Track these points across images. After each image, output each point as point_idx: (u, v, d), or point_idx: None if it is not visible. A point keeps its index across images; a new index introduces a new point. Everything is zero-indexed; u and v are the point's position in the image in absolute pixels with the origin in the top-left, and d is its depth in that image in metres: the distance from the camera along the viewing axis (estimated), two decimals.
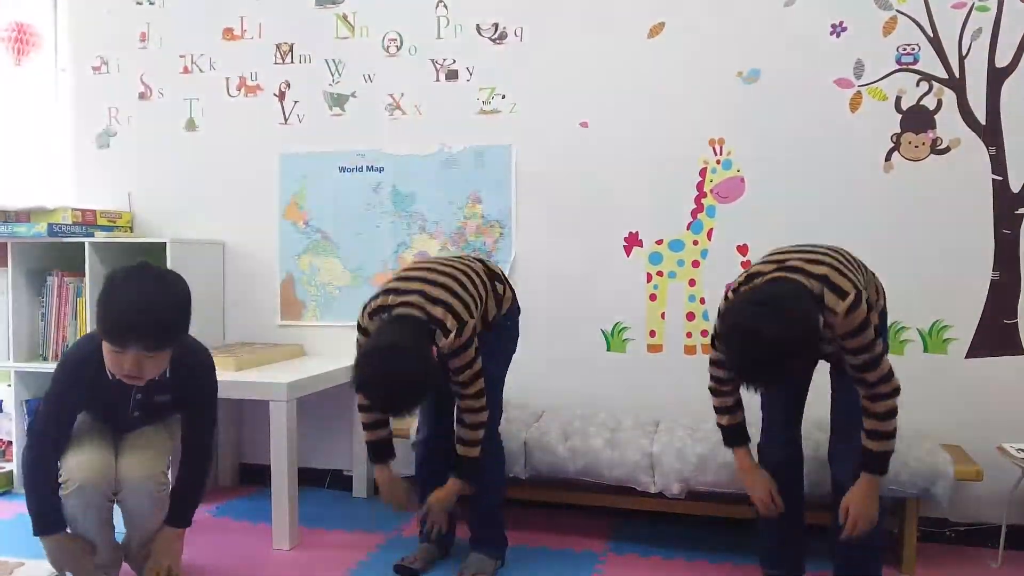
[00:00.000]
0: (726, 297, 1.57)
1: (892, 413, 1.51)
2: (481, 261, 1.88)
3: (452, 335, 1.63)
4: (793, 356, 1.36)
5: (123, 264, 1.55)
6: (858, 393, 1.54)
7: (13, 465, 2.52)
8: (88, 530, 1.64)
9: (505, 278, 1.91)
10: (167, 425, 1.79)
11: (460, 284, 1.72)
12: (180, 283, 1.56)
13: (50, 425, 1.62)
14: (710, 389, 1.68)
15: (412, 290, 1.68)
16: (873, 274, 1.67)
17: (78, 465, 1.61)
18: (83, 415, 1.71)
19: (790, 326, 1.34)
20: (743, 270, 1.63)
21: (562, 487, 2.15)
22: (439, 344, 1.64)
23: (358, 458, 2.50)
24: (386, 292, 1.70)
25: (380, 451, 1.83)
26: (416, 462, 1.98)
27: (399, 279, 1.74)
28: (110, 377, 1.57)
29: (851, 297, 1.43)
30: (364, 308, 1.72)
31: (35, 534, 1.62)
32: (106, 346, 1.51)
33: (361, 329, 1.71)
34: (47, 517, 1.61)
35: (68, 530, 1.63)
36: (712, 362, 1.66)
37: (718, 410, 1.68)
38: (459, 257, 1.87)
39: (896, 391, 1.50)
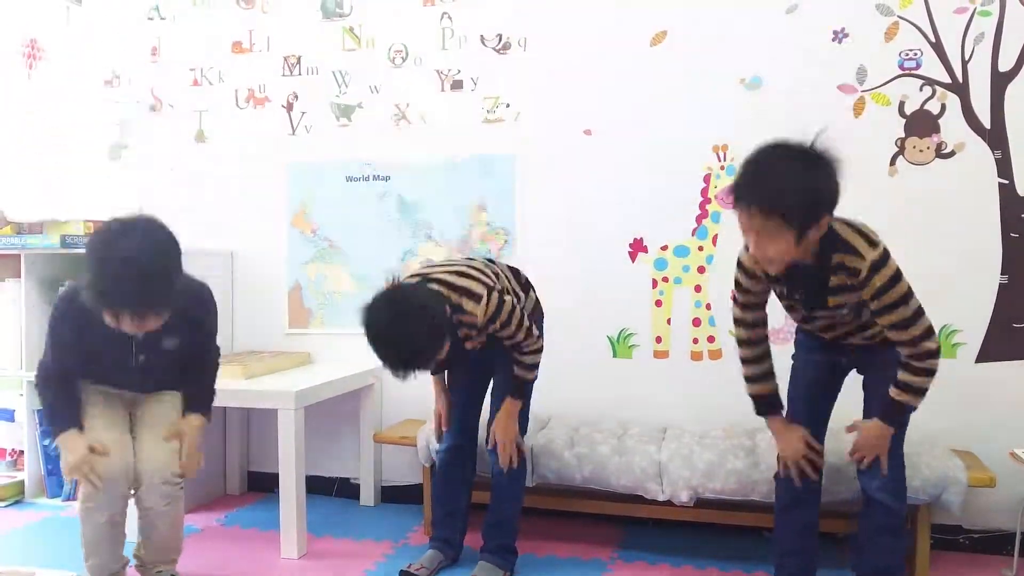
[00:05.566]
0: None
1: (931, 373, 1.49)
2: (502, 264, 1.98)
3: (484, 299, 1.66)
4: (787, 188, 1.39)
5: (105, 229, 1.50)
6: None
7: (24, 474, 2.54)
8: (101, 526, 1.67)
9: (528, 281, 1.99)
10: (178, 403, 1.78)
11: (479, 268, 1.79)
12: (162, 242, 1.50)
13: (57, 354, 1.64)
14: (740, 358, 1.67)
15: (433, 269, 1.77)
16: None
17: (98, 458, 1.63)
18: (93, 389, 1.70)
19: (799, 179, 1.40)
20: None
21: (569, 494, 2.14)
22: (470, 312, 1.66)
23: (366, 466, 2.51)
24: (409, 276, 1.79)
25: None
26: (437, 468, 1.99)
27: (421, 267, 1.85)
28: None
29: (879, 248, 1.46)
30: None
31: (53, 437, 1.62)
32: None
33: None
34: (64, 415, 1.61)
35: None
36: (736, 321, 1.65)
37: (748, 379, 1.66)
38: (482, 258, 1.95)
39: (938, 351, 1.49)
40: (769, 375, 1.65)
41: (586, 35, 2.34)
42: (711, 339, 2.27)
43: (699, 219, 2.28)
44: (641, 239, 2.32)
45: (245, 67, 2.65)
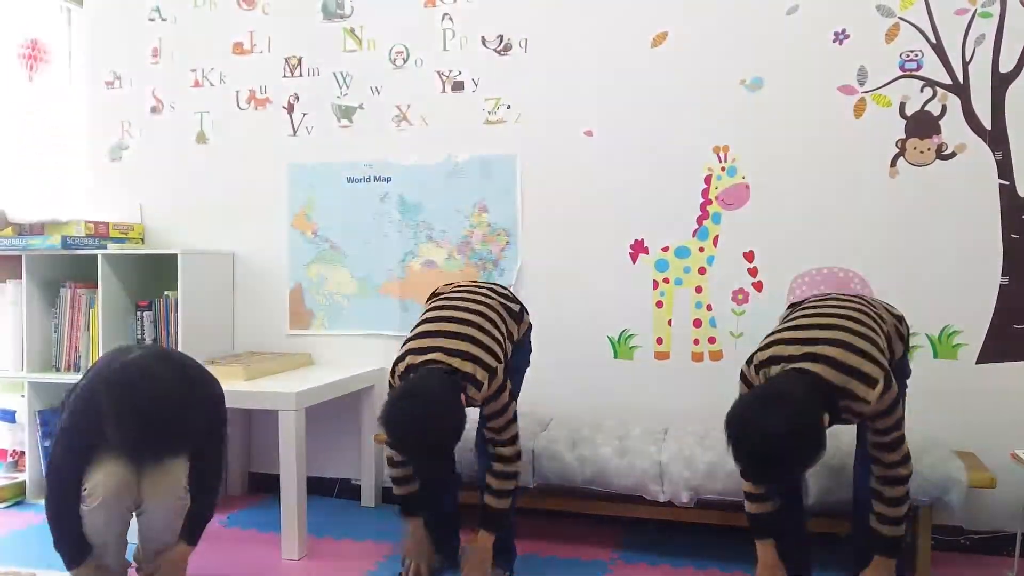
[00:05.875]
0: (748, 364, 1.57)
1: (904, 500, 1.54)
2: (495, 291, 1.89)
3: (485, 385, 1.65)
4: (784, 463, 1.39)
5: (119, 363, 1.55)
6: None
7: (26, 475, 2.54)
8: (107, 542, 1.67)
9: (522, 306, 1.93)
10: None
11: (480, 329, 1.72)
12: (179, 384, 1.54)
13: (66, 462, 1.65)
14: (740, 472, 1.62)
15: (433, 347, 1.68)
16: (898, 317, 1.69)
17: (104, 480, 1.63)
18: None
19: (785, 432, 1.35)
20: (767, 340, 1.58)
21: (570, 495, 2.14)
22: (471, 396, 1.66)
23: (366, 467, 2.51)
24: (409, 352, 1.71)
25: (411, 505, 1.86)
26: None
27: (418, 335, 1.73)
28: None
29: (880, 384, 1.46)
30: (393, 370, 1.74)
31: (69, 568, 1.66)
32: None
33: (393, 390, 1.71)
34: (77, 551, 1.65)
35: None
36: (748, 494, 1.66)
37: (748, 496, 1.64)
38: (475, 291, 1.86)
39: (909, 476, 1.53)
40: (773, 494, 1.62)
41: (586, 36, 2.34)
42: (712, 340, 2.27)
43: (700, 220, 2.28)
44: (642, 240, 2.32)
45: (246, 68, 2.65)
